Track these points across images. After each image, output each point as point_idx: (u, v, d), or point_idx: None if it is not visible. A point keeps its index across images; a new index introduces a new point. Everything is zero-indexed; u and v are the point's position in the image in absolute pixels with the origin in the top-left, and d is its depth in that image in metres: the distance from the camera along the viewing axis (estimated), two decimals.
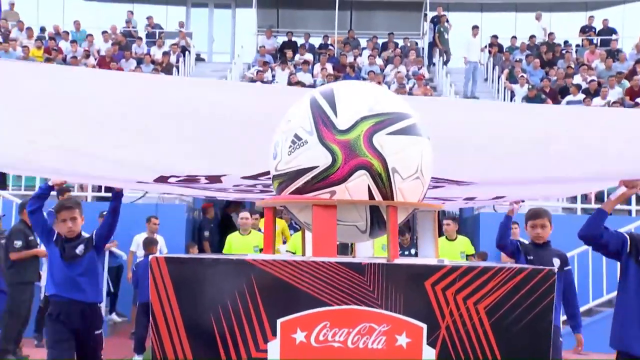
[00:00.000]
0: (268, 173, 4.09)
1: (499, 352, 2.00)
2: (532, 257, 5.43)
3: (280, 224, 10.16)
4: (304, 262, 2.03)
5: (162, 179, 4.04)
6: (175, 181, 4.13)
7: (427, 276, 2.02)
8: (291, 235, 11.05)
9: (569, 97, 15.91)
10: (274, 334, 2.01)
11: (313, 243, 2.18)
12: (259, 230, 10.07)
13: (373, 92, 2.35)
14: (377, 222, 2.30)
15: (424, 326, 2.02)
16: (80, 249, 5.36)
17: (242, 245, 8.79)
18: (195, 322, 2.02)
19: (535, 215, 5.59)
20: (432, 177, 2.75)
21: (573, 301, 5.51)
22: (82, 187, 13.24)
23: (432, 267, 2.05)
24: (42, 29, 20.48)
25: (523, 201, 6.25)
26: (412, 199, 2.29)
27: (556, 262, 5.38)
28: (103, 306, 11.22)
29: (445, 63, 19.01)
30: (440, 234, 10.81)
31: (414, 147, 2.28)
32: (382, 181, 2.22)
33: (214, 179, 4.10)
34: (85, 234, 5.69)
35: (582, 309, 11.38)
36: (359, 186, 2.21)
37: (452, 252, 9.50)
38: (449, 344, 2.01)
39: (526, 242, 5.98)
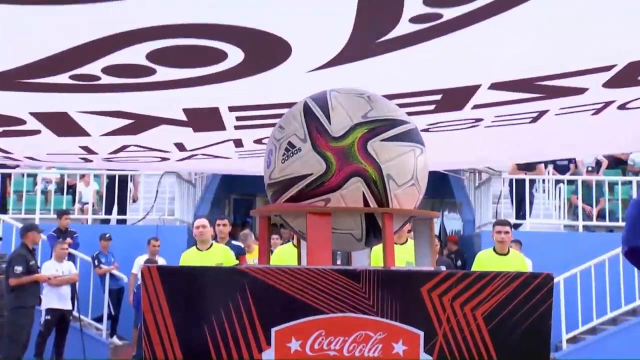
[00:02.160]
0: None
1: (497, 358, 1.96)
2: None
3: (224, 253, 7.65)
4: (298, 270, 2.00)
5: None
6: None
7: (423, 282, 1.99)
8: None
9: None
10: (269, 343, 1.98)
11: (308, 251, 2.16)
12: (232, 240, 8.64)
13: (367, 98, 2.33)
14: (372, 230, 2.27)
15: (421, 333, 1.98)
16: None
17: (200, 263, 6.79)
18: (188, 331, 1.98)
19: None
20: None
21: None
22: (82, 210, 13.27)
23: (428, 273, 2.02)
24: None
25: None
26: (407, 206, 2.27)
27: None
28: (104, 329, 11.19)
29: None
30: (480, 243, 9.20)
31: (409, 153, 2.26)
32: (377, 188, 2.20)
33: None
34: None
35: (586, 327, 11.36)
36: (353, 193, 2.19)
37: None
38: (447, 351, 1.97)
39: None
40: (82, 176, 13.32)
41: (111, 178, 12.82)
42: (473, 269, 5.92)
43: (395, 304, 1.99)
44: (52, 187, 13.53)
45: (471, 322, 1.98)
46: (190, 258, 7.17)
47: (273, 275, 2.00)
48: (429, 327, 1.98)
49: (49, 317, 9.69)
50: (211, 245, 7.28)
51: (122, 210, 13.19)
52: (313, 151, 2.20)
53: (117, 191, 12.87)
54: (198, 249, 7.27)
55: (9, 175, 13.27)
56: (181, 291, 2.01)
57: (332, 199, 2.20)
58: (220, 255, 7.13)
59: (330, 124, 2.23)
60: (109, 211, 12.95)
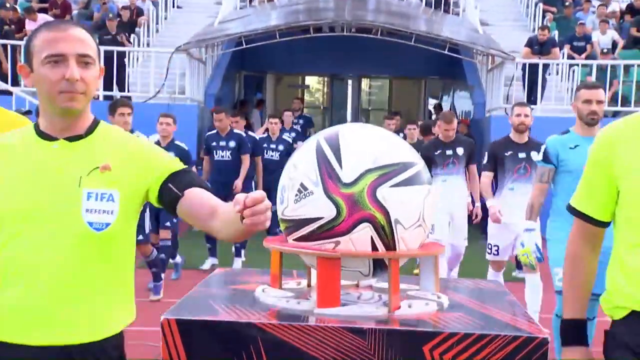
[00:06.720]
0: None
1: None
2: None
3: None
4: (308, 327, 2.13)
5: None
6: None
7: (425, 341, 2.12)
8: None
9: None
10: None
11: (318, 293, 2.29)
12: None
13: (378, 142, 2.37)
14: (379, 266, 2.38)
15: None
16: None
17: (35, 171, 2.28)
18: None
19: None
20: None
21: None
22: None
23: (430, 333, 2.14)
24: None
25: None
26: (413, 246, 2.37)
27: None
28: None
29: None
30: None
31: (416, 197, 2.33)
32: (385, 232, 2.29)
33: None
34: None
35: None
36: (362, 237, 2.29)
37: None
38: None
39: None
40: None
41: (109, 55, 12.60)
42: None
43: None
44: None
45: None
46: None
47: (284, 330, 2.13)
48: None
49: None
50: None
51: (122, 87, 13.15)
52: (325, 196, 2.27)
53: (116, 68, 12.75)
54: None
55: (19, 46, 13.15)
56: (198, 342, 2.15)
57: (341, 241, 2.29)
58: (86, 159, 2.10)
59: (341, 169, 2.29)
60: (108, 88, 12.83)
